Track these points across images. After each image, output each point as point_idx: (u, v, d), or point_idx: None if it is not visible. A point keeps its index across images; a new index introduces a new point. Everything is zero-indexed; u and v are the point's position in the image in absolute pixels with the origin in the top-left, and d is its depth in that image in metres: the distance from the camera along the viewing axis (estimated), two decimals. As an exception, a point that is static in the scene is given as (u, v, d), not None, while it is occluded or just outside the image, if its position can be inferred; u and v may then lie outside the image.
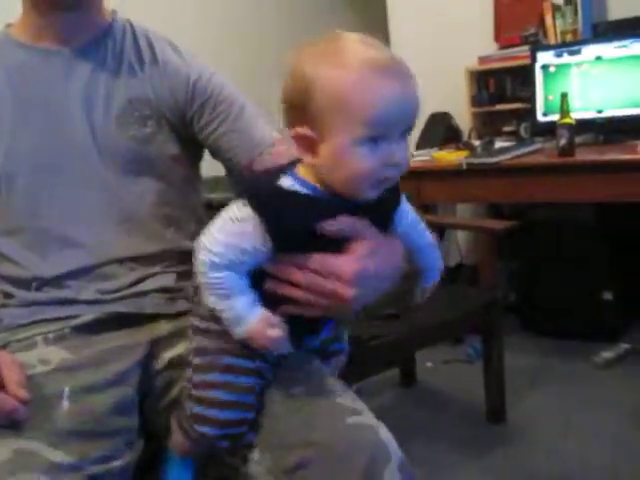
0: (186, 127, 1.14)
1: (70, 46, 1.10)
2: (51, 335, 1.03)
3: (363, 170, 0.76)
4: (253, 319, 0.82)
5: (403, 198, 0.88)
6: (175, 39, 1.20)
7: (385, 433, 0.87)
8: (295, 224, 0.79)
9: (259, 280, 0.83)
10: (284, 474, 0.84)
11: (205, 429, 0.88)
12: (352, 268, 0.80)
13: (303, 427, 0.85)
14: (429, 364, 2.65)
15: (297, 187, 0.80)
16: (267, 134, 1.14)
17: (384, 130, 0.75)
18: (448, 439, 2.09)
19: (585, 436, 2.04)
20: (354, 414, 0.88)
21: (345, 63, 0.74)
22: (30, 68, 1.09)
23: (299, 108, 0.76)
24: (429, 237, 0.93)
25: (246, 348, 0.86)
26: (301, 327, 0.87)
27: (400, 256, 0.88)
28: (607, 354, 2.53)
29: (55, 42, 1.10)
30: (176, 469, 0.95)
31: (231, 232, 0.80)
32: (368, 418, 0.89)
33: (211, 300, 0.83)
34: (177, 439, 0.93)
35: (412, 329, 1.85)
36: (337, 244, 0.81)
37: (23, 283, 1.08)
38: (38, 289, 1.07)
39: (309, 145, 0.77)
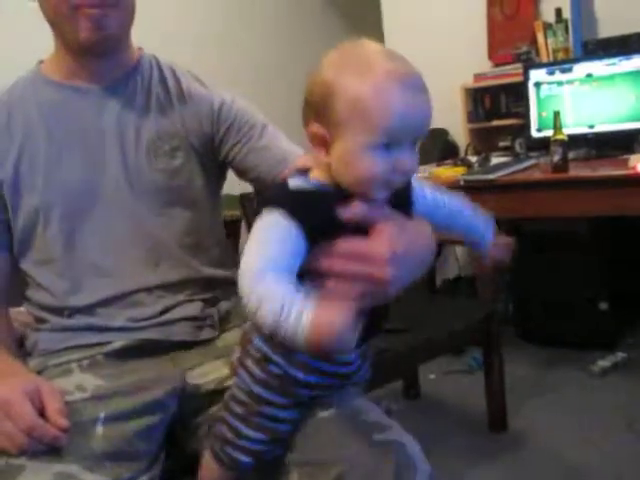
0: (213, 152, 1.20)
1: (101, 84, 1.14)
2: (85, 362, 1.08)
3: (371, 174, 0.79)
4: (311, 309, 0.73)
5: (414, 180, 0.90)
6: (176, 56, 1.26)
7: (412, 447, 0.90)
8: (317, 214, 0.80)
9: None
10: None
11: (235, 453, 0.93)
12: (382, 249, 0.80)
13: (332, 446, 0.90)
14: (432, 376, 2.71)
15: (305, 186, 0.83)
16: (290, 150, 1.19)
17: (396, 138, 0.78)
18: (451, 448, 2.14)
19: (584, 443, 2.10)
20: (381, 430, 0.92)
21: (366, 71, 0.77)
22: (62, 105, 1.13)
23: (318, 107, 0.80)
24: (456, 202, 0.95)
25: (288, 398, 0.90)
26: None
27: (428, 234, 0.89)
28: (604, 363, 2.59)
29: (86, 81, 1.14)
30: None
31: (266, 239, 0.80)
32: (395, 433, 0.92)
33: (267, 317, 0.74)
34: (209, 470, 0.98)
35: (416, 342, 1.91)
36: (364, 232, 0.82)
37: (55, 310, 1.12)
38: (70, 316, 1.12)
39: (323, 143, 0.81)
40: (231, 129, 1.19)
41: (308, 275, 0.82)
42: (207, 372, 1.11)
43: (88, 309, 1.11)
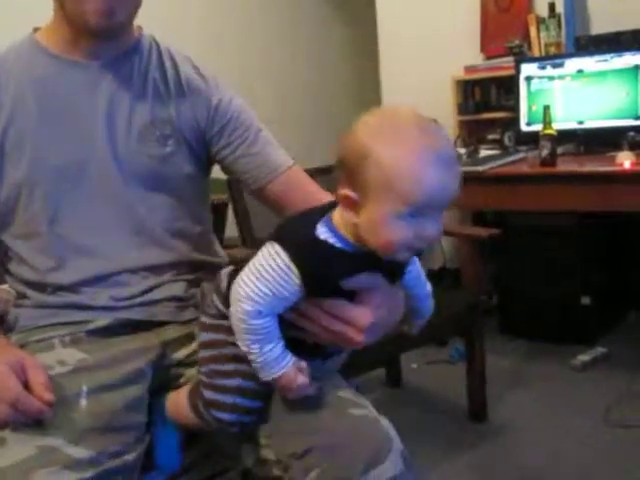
0: (204, 147, 1.19)
1: (96, 60, 1.12)
2: (67, 338, 1.08)
3: (397, 241, 0.81)
4: (287, 366, 0.88)
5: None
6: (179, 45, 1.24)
7: (386, 424, 0.95)
8: (326, 276, 0.86)
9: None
10: (292, 459, 0.91)
11: (222, 415, 0.96)
12: (366, 319, 0.89)
13: (309, 416, 0.93)
14: (414, 365, 2.73)
15: (331, 239, 0.85)
16: (280, 159, 1.20)
17: (423, 209, 0.80)
18: (432, 437, 2.17)
19: (561, 435, 2.13)
20: (357, 406, 0.96)
21: (401, 143, 0.78)
22: (56, 78, 1.11)
23: (350, 171, 0.81)
24: (428, 288, 1.01)
25: None
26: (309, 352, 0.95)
27: (401, 302, 0.96)
28: (584, 357, 2.62)
29: (85, 55, 1.11)
30: (165, 433, 1.05)
31: (272, 280, 0.85)
32: (370, 410, 0.97)
33: (246, 344, 0.88)
34: (181, 408, 1.03)
35: (398, 332, 1.92)
36: (353, 292, 0.90)
37: (37, 286, 1.12)
38: (52, 293, 1.11)
39: (352, 206, 0.82)
40: (225, 129, 1.18)
41: (291, 311, 0.90)
42: (187, 349, 1.13)
43: (71, 287, 1.11)
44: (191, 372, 1.10)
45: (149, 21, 1.21)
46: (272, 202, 1.21)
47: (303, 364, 0.90)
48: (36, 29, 1.16)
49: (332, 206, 0.88)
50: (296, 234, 0.87)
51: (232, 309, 0.89)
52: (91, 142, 1.10)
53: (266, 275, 0.85)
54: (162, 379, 1.11)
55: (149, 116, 1.13)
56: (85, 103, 1.11)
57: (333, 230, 0.86)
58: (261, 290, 0.85)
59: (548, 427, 2.19)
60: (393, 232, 0.81)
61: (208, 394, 0.97)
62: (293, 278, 0.84)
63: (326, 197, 1.12)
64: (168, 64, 1.18)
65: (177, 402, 1.05)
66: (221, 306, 0.95)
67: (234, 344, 0.92)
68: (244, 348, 0.89)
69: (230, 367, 0.95)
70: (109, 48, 1.12)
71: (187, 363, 1.13)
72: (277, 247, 0.85)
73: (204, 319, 0.99)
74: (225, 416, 0.97)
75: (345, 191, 0.82)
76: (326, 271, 0.85)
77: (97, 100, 1.11)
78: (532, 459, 2.03)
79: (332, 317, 0.90)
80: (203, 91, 1.18)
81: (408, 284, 0.97)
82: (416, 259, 0.96)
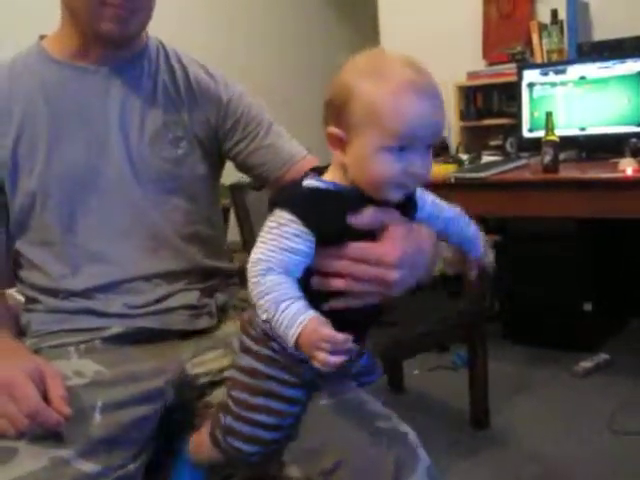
0: (217, 146, 1.19)
1: (107, 65, 1.12)
2: (82, 346, 1.06)
3: (385, 175, 0.81)
4: (308, 318, 0.78)
5: (418, 191, 0.92)
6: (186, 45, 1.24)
7: (414, 438, 0.92)
8: (329, 217, 0.83)
9: (304, 282, 0.85)
10: (321, 476, 0.89)
11: (239, 444, 0.93)
12: (393, 252, 0.84)
13: (336, 432, 0.91)
14: (416, 371, 2.73)
15: (320, 186, 0.86)
16: (294, 150, 1.21)
17: (410, 142, 0.80)
18: (434, 443, 2.12)
19: (564, 442, 2.13)
20: (384, 419, 0.93)
21: (383, 77, 0.80)
22: (66, 85, 1.10)
23: (337, 109, 0.82)
24: (451, 212, 0.97)
25: (293, 375, 0.90)
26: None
27: (430, 239, 0.91)
28: (586, 364, 2.61)
29: (93, 61, 1.11)
30: (188, 472, 1.02)
31: (277, 236, 0.82)
32: (397, 424, 0.94)
33: (265, 307, 0.81)
34: (203, 446, 0.98)
35: (401, 338, 1.92)
36: (372, 234, 0.85)
37: (50, 291, 1.11)
38: (65, 298, 1.10)
39: (340, 144, 0.83)
40: (237, 125, 1.19)
41: (316, 273, 0.85)
42: (205, 361, 1.10)
43: (84, 293, 1.10)
44: (214, 394, 1.07)
45: (156, 23, 1.21)
46: None
47: (326, 320, 0.79)
48: (42, 37, 1.16)
49: (320, 171, 0.89)
50: (285, 192, 0.88)
51: (248, 275, 0.84)
52: (104, 148, 1.10)
53: (270, 235, 0.83)
54: (183, 395, 1.09)
55: (161, 119, 1.14)
56: (96, 109, 1.11)
57: (320, 179, 0.86)
58: (268, 249, 0.82)
59: (550, 434, 2.19)
60: (381, 166, 0.81)
61: (229, 420, 0.93)
62: (296, 227, 0.82)
63: None
64: (176, 66, 1.18)
65: (199, 441, 1.01)
66: (265, 325, 0.89)
67: (271, 378, 0.90)
68: (263, 315, 0.82)
69: (260, 401, 0.91)
70: (118, 55, 1.12)
71: (203, 381, 1.09)
72: (275, 210, 0.84)
73: (247, 341, 0.94)
74: (243, 446, 0.93)
75: (332, 128, 0.83)
76: (327, 214, 0.83)
77: (109, 106, 1.11)
78: (534, 466, 2.02)
79: (357, 262, 0.84)
80: (213, 90, 1.19)
81: (427, 217, 0.93)
82: (424, 192, 0.93)
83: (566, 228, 2.76)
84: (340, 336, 0.76)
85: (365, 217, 0.84)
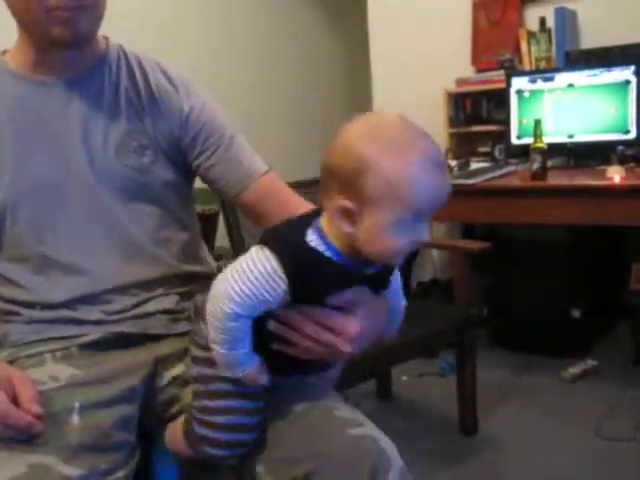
0: (181, 155, 1.17)
1: (65, 77, 1.10)
2: (59, 353, 1.06)
3: (397, 247, 0.83)
4: (251, 368, 0.88)
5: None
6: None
7: (386, 442, 0.92)
8: (314, 288, 0.86)
9: (258, 319, 0.88)
10: None
11: (213, 450, 0.94)
12: (355, 328, 0.88)
13: (307, 440, 0.91)
14: (404, 377, 2.73)
15: (321, 247, 0.85)
16: (255, 165, 1.18)
17: (422, 214, 0.82)
18: (422, 450, 2.16)
19: (552, 448, 2.13)
20: (356, 425, 0.93)
21: (399, 153, 0.79)
22: (27, 99, 1.10)
23: (346, 181, 0.81)
24: (403, 303, 1.01)
25: None
26: (287, 365, 0.94)
27: (386, 316, 0.96)
28: (574, 370, 2.62)
29: (51, 74, 1.10)
30: (166, 465, 1.04)
31: (258, 285, 0.83)
32: (369, 429, 0.94)
33: (216, 342, 0.87)
34: (178, 445, 1.00)
35: (390, 344, 1.91)
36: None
37: (27, 304, 1.10)
38: (42, 309, 1.09)
39: (349, 216, 0.82)
40: (198, 137, 1.16)
41: (273, 319, 0.89)
42: (178, 363, 1.11)
43: (61, 305, 1.09)
44: (186, 394, 1.06)
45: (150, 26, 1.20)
46: (249, 210, 1.20)
47: (264, 368, 0.90)
48: (4, 52, 1.15)
49: (318, 214, 0.88)
50: (286, 240, 0.86)
51: (209, 306, 0.87)
52: (68, 160, 1.09)
53: (252, 278, 0.83)
54: (156, 398, 1.09)
55: (125, 128, 1.12)
56: (59, 121, 1.10)
57: (323, 238, 0.85)
58: (244, 293, 0.83)
59: (539, 439, 2.19)
60: (394, 239, 0.82)
61: (200, 430, 0.95)
62: (280, 285, 0.83)
63: (303, 204, 1.12)
64: (138, 74, 1.16)
65: (174, 434, 1.02)
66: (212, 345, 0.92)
67: (222, 379, 0.91)
68: (213, 346, 0.88)
69: (220, 404, 0.93)
70: (75, 64, 1.11)
71: (179, 382, 1.10)
72: (267, 251, 0.84)
73: (195, 351, 0.97)
74: (218, 452, 0.94)
75: (343, 202, 0.81)
76: (314, 282, 0.85)
77: (70, 117, 1.10)
78: (523, 472, 2.02)
79: (320, 326, 0.88)
80: (174, 100, 1.16)
81: (390, 294, 0.96)
82: (397, 273, 0.97)
83: (554, 235, 2.77)
84: (264, 380, 0.90)
85: (345, 298, 0.88)
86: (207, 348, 0.91)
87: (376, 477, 0.87)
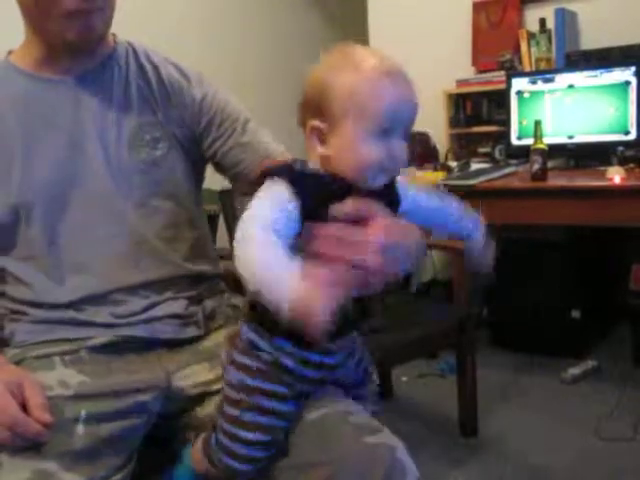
0: (196, 145, 1.18)
1: (74, 75, 1.11)
2: (68, 357, 1.05)
3: (370, 159, 0.84)
4: (297, 270, 0.75)
5: (399, 180, 0.93)
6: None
7: (402, 452, 0.90)
8: (317, 197, 0.83)
9: None
10: None
11: (232, 462, 0.91)
12: (377, 237, 0.82)
13: (322, 447, 0.89)
14: (404, 378, 2.72)
15: (307, 169, 0.87)
16: (272, 147, 1.19)
17: (390, 125, 0.84)
18: (421, 451, 2.14)
19: (552, 449, 2.13)
20: (372, 433, 0.91)
21: (358, 66, 0.84)
22: (36, 97, 1.10)
23: (314, 104, 0.85)
24: (437, 202, 0.97)
25: (282, 386, 0.88)
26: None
27: (417, 232, 0.89)
28: (574, 370, 2.62)
29: (59, 72, 1.11)
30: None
31: (270, 198, 0.82)
32: (386, 437, 0.91)
33: (254, 273, 0.76)
34: (198, 460, 0.97)
35: (389, 345, 1.91)
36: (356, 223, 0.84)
37: (35, 304, 1.09)
38: (50, 309, 1.09)
39: (321, 137, 0.86)
40: (212, 123, 1.17)
41: (299, 253, 0.82)
42: (192, 374, 1.09)
43: (70, 305, 1.08)
44: (205, 408, 1.06)
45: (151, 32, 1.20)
46: None
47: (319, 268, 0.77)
48: (10, 52, 1.16)
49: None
50: (276, 166, 0.88)
51: (237, 234, 0.79)
52: (82, 157, 1.09)
53: (263, 197, 0.82)
54: (171, 411, 1.08)
55: (136, 121, 1.12)
56: (69, 119, 1.10)
57: (307, 165, 0.88)
58: (261, 208, 0.81)
59: (539, 440, 2.19)
60: (365, 152, 0.84)
61: (223, 440, 0.91)
62: (288, 193, 0.82)
63: None
64: (148, 66, 1.17)
65: (195, 452, 0.99)
66: (251, 335, 0.89)
67: (259, 391, 0.88)
68: (252, 286, 0.76)
69: (249, 417, 0.89)
70: (84, 62, 1.12)
71: (192, 393, 1.08)
72: (273, 180, 0.84)
73: (233, 353, 0.92)
74: (237, 465, 0.91)
75: (313, 122, 0.86)
76: (315, 191, 0.84)
77: (82, 115, 1.10)
78: (523, 473, 2.02)
79: (341, 244, 0.82)
80: (186, 89, 1.17)
81: (413, 212, 0.93)
82: (405, 186, 0.93)
83: (554, 236, 2.77)
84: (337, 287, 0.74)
85: (347, 207, 0.84)
86: (254, 356, 0.88)
87: None
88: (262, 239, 0.78)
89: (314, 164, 0.88)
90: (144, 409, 1.03)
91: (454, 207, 0.99)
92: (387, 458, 0.88)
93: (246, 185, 1.19)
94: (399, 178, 0.93)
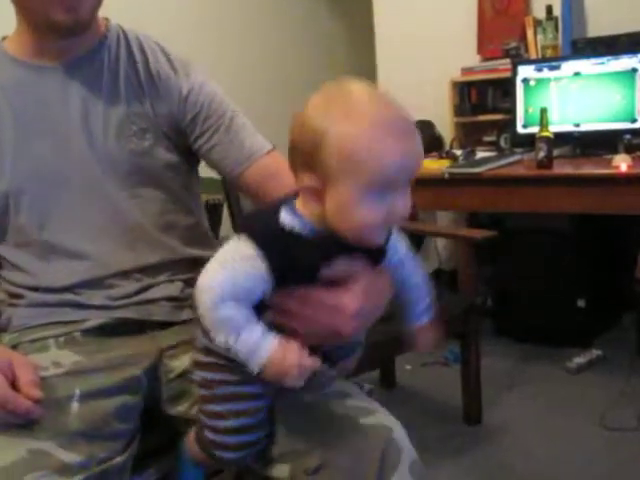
0: (183, 137, 1.17)
1: (64, 61, 1.11)
2: (62, 338, 1.07)
3: (370, 220, 0.77)
4: (271, 345, 0.79)
5: (394, 234, 0.89)
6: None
7: (399, 431, 0.91)
8: (297, 265, 0.80)
9: (258, 313, 0.83)
10: (307, 476, 0.88)
11: (225, 454, 0.92)
12: (354, 304, 0.83)
13: (319, 430, 0.90)
14: (408, 367, 2.72)
15: (296, 227, 0.81)
16: (257, 144, 1.17)
17: (390, 183, 0.76)
18: (426, 439, 2.14)
19: (556, 437, 2.13)
20: (368, 414, 0.91)
21: (355, 120, 0.75)
22: (27, 85, 1.10)
23: (307, 156, 0.77)
24: (419, 275, 0.94)
25: (247, 374, 0.85)
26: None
27: (389, 285, 0.89)
28: (579, 359, 2.62)
29: (50, 59, 1.11)
30: (190, 472, 1.01)
31: (237, 268, 0.79)
32: (382, 417, 0.92)
33: (221, 339, 0.80)
34: (195, 452, 0.97)
35: (394, 333, 1.90)
36: (333, 282, 0.84)
37: (31, 288, 1.10)
38: (46, 293, 1.10)
39: (315, 194, 0.78)
40: (197, 118, 1.15)
41: (269, 310, 0.84)
42: (181, 355, 1.09)
43: (65, 289, 1.09)
44: (195, 389, 1.05)
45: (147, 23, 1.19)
46: (252, 191, 1.18)
47: (292, 342, 0.80)
48: (3, 38, 1.16)
49: (297, 194, 0.84)
50: (260, 223, 0.84)
51: (197, 300, 0.81)
52: (69, 145, 1.09)
53: (230, 264, 0.80)
54: (163, 391, 1.08)
55: (124, 111, 1.12)
56: (58, 106, 1.10)
57: (296, 215, 0.82)
58: (224, 279, 0.79)
59: (543, 430, 2.19)
60: (364, 213, 0.76)
61: (210, 435, 0.92)
62: (258, 267, 0.79)
63: None
64: (138, 56, 1.16)
65: (189, 442, 1.00)
66: (204, 340, 0.89)
67: (225, 382, 0.89)
68: (222, 345, 0.80)
69: (224, 407, 0.90)
70: (74, 48, 1.11)
71: (186, 376, 1.08)
72: (243, 237, 0.80)
73: (196, 355, 0.93)
74: (230, 455, 0.92)
75: (306, 180, 0.78)
76: (296, 261, 0.80)
77: (70, 102, 1.10)
78: (527, 462, 2.02)
79: (316, 307, 0.83)
80: (173, 81, 1.16)
81: (394, 267, 0.90)
82: (400, 241, 0.90)
83: (560, 224, 2.75)
84: (308, 362, 0.79)
85: (336, 270, 0.83)
86: (209, 352, 0.89)
87: (386, 467, 0.86)
88: (226, 312, 0.79)
89: (310, 216, 0.81)
90: (138, 384, 1.04)
91: (422, 288, 0.95)
92: (383, 440, 0.88)
93: (234, 181, 1.19)
94: (394, 230, 0.88)
